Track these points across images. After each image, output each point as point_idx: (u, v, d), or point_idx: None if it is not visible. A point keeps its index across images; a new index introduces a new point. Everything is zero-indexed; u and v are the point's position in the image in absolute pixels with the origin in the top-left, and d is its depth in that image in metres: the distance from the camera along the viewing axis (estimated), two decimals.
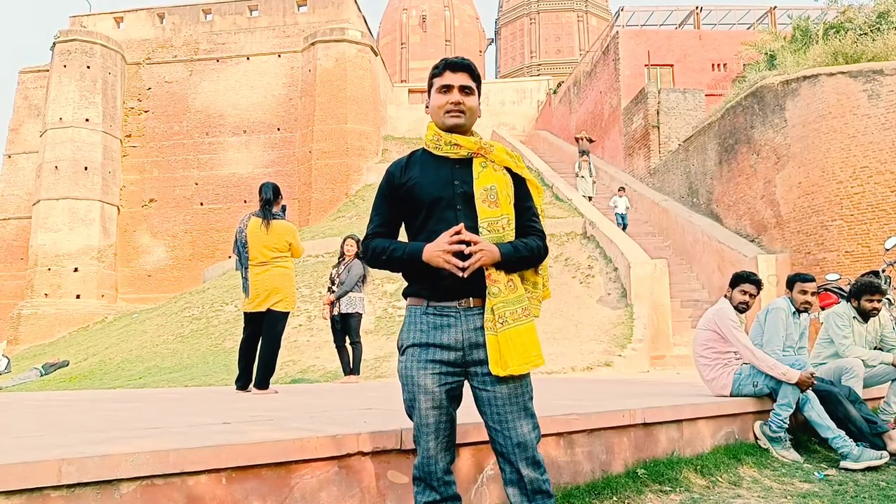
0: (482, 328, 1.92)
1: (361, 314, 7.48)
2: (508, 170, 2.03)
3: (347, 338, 7.42)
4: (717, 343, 4.38)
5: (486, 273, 1.90)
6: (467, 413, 2.21)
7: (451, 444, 2.00)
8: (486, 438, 2.05)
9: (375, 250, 2.03)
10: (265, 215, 5.45)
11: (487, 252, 1.87)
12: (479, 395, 1.97)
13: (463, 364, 1.95)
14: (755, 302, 4.43)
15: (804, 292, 4.48)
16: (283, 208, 5.75)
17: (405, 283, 2.09)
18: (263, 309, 5.38)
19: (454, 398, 1.97)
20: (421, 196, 1.99)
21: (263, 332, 5.43)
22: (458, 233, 1.87)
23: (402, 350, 2.03)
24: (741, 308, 4.35)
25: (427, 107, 2.10)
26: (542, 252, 2.01)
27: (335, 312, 7.38)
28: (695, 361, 4.60)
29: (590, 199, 17.24)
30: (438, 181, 1.97)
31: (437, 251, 1.89)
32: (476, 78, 2.06)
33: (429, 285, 1.97)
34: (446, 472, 1.98)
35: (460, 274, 1.87)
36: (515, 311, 1.90)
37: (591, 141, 19.60)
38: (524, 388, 1.97)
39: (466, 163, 2.01)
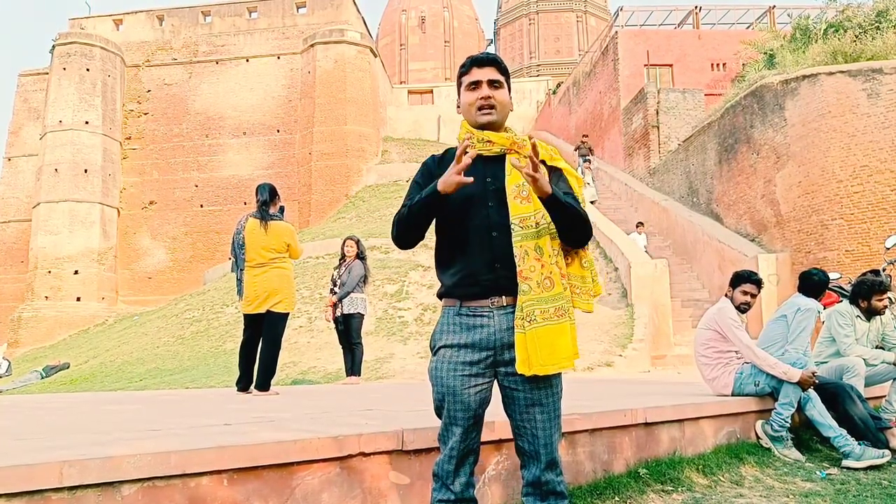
0: (514, 328, 1.90)
1: (363, 315, 7.50)
2: (544, 163, 2.00)
3: (349, 339, 7.43)
4: (719, 342, 4.38)
5: (518, 270, 1.89)
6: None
7: (476, 446, 1.99)
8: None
9: (396, 218, 2.00)
10: (262, 216, 5.45)
11: (542, 177, 1.82)
12: (508, 395, 1.96)
13: (494, 364, 1.94)
14: (756, 301, 4.43)
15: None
16: (281, 209, 5.74)
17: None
18: (263, 310, 5.37)
19: (483, 400, 1.95)
20: (453, 192, 1.97)
21: (263, 333, 5.43)
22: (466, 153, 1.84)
23: (434, 350, 2.01)
24: (742, 308, 4.35)
25: (458, 106, 2.07)
26: (587, 221, 1.96)
27: (338, 314, 7.39)
28: (696, 361, 4.60)
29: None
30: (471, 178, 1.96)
31: (448, 173, 1.86)
32: (504, 71, 2.04)
33: (460, 281, 1.95)
34: (468, 474, 1.97)
35: (467, 158, 1.82)
36: (547, 311, 1.87)
37: (591, 150, 19.71)
38: (554, 390, 1.95)
39: (499, 159, 1.99)
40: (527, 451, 1.96)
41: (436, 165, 2.07)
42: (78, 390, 11.43)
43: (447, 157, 2.06)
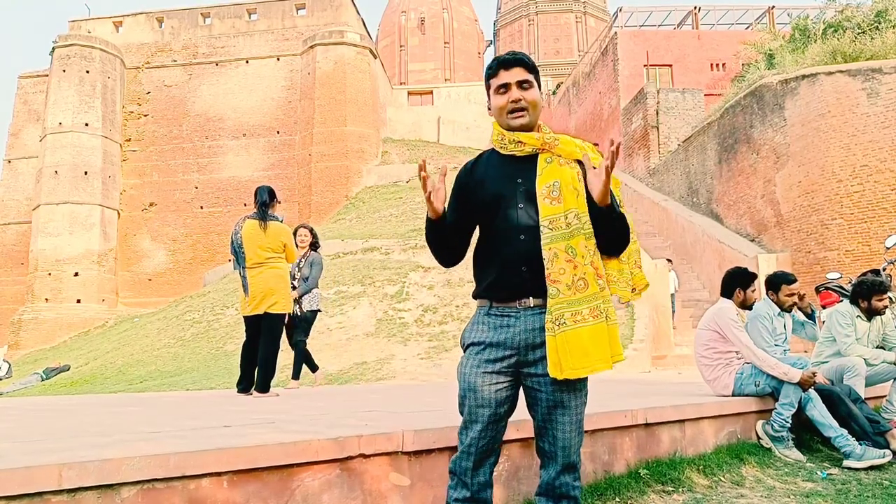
0: (542, 328, 1.89)
1: (319, 311, 7.00)
2: (580, 162, 1.98)
3: (302, 335, 6.84)
4: (719, 343, 4.37)
5: (546, 273, 1.88)
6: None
7: (497, 447, 1.98)
8: None
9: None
10: (262, 216, 5.48)
11: (608, 183, 1.88)
12: (532, 395, 1.95)
13: (518, 364, 1.93)
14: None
15: (791, 294, 4.51)
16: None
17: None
18: (261, 312, 5.39)
19: (503, 399, 1.93)
20: (485, 194, 1.98)
21: (262, 335, 5.44)
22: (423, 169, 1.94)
23: (464, 348, 2.03)
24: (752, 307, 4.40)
25: (489, 108, 2.07)
26: (626, 227, 1.97)
27: (297, 311, 6.69)
28: (696, 361, 4.59)
29: None
30: (502, 179, 1.95)
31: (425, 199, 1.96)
32: (532, 69, 2.00)
33: (490, 283, 1.97)
34: (487, 475, 1.96)
35: (431, 185, 1.93)
36: (579, 312, 1.85)
37: None
38: (578, 392, 1.93)
39: (532, 159, 1.98)
40: (546, 451, 1.95)
41: (466, 174, 2.07)
42: (78, 392, 11.43)
43: (479, 163, 2.07)
